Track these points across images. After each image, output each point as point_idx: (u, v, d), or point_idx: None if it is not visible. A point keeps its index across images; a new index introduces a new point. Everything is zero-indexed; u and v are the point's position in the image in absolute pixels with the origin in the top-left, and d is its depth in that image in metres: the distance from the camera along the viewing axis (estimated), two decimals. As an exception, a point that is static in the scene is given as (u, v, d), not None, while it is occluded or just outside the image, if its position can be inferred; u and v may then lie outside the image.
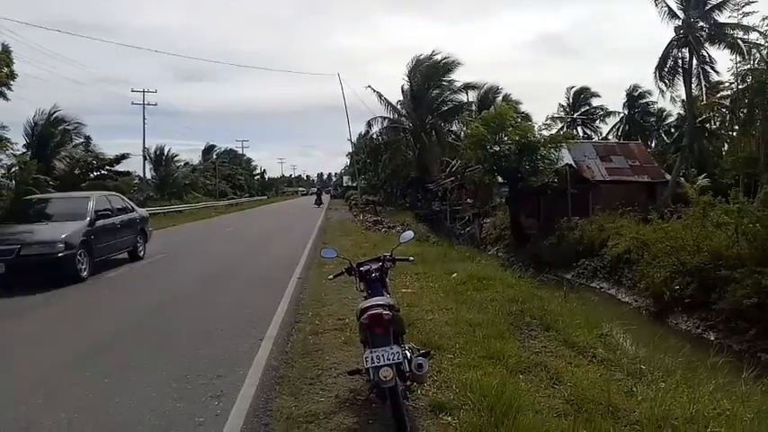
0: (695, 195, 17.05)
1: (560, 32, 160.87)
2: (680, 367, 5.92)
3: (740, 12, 25.79)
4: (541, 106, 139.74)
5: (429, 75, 39.45)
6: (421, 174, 40.73)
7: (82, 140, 34.25)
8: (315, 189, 71.10)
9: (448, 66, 39.70)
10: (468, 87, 41.60)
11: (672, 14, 28.58)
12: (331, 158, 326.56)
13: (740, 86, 27.08)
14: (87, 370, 5.41)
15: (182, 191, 48.56)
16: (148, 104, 44.96)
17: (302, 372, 5.23)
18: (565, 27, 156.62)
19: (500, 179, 28.16)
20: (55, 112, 31.42)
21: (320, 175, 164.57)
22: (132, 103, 45.11)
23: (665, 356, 6.41)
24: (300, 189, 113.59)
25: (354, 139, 53.69)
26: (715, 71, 29.56)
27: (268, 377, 5.11)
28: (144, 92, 45.05)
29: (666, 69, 30.06)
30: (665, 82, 30.50)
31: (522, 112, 35.10)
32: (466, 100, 41.93)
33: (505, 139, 25.62)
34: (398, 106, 41.56)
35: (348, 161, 71.00)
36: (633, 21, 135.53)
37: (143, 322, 7.53)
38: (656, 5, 28.63)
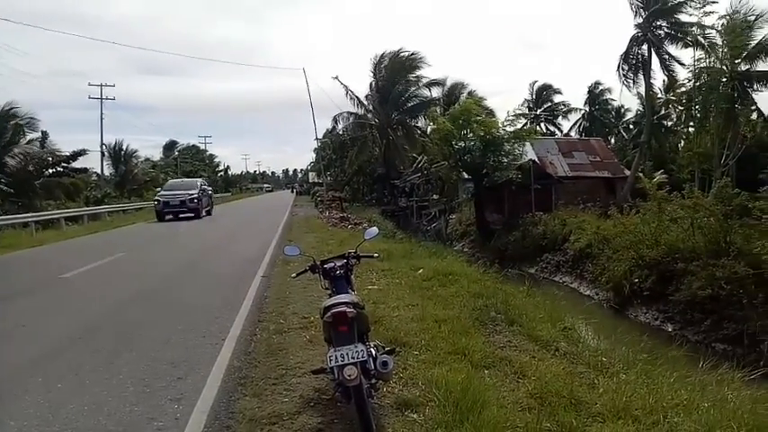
0: (653, 190, 17.46)
1: (527, 29, 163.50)
2: (640, 359, 6.05)
3: (701, 12, 26.62)
4: (506, 100, 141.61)
5: (395, 71, 39.37)
6: (387, 170, 40.72)
7: (37, 136, 33.11)
8: (293, 184, 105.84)
9: (414, 62, 39.74)
10: (434, 83, 41.76)
11: (635, 12, 29.34)
12: (300, 155, 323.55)
13: (696, 84, 27.96)
14: (39, 375, 5.18)
15: (142, 188, 47.43)
16: (106, 99, 43.90)
17: (266, 372, 5.13)
18: (532, 23, 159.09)
19: (465, 175, 28.41)
20: (11, 109, 30.25)
21: (286, 171, 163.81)
22: (89, 97, 43.84)
23: (625, 349, 6.54)
24: (266, 186, 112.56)
25: (321, 135, 53.44)
26: (675, 66, 30.43)
27: (230, 378, 5.00)
28: (101, 86, 43.93)
29: (628, 66, 30.82)
30: (627, 79, 31.29)
31: (487, 109, 35.42)
32: (432, 96, 42.10)
33: (470, 135, 25.84)
34: (365, 101, 41.44)
35: (314, 157, 71.27)
36: (597, 18, 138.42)
37: (99, 324, 7.25)
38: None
